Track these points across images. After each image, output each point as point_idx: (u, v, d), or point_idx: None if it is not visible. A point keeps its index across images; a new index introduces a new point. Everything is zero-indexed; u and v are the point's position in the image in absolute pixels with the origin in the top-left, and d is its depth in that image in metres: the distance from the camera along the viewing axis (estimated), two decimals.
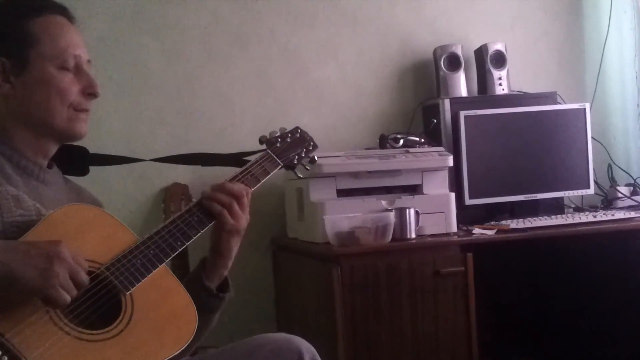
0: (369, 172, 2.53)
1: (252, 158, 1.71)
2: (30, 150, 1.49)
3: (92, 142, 1.69)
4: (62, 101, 1.47)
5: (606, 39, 3.22)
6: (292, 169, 1.79)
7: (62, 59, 1.47)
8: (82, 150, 1.71)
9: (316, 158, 1.85)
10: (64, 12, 1.52)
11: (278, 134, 1.78)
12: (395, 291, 2.35)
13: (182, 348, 1.37)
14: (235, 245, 1.60)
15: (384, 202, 2.49)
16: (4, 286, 1.20)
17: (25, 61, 1.45)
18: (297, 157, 1.78)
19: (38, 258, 1.22)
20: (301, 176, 1.85)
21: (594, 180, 3.02)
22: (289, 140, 1.78)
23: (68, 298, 1.24)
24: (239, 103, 2.91)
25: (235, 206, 1.56)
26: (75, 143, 1.62)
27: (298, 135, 1.81)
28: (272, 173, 1.69)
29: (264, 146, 1.75)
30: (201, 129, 2.86)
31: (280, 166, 1.73)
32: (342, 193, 2.52)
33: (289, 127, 1.84)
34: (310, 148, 1.82)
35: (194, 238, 1.50)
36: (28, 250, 1.24)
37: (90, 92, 1.51)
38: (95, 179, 2.39)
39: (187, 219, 1.51)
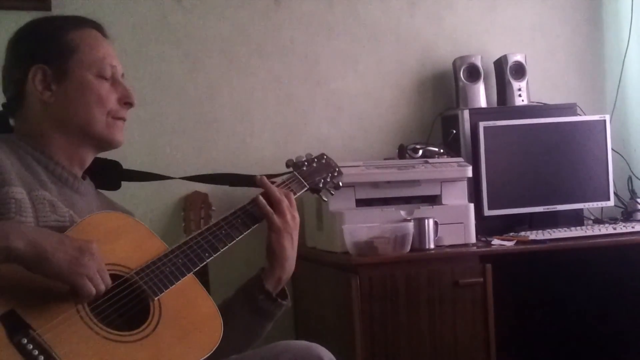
0: (388, 182, 2.54)
1: (279, 179, 1.75)
2: (66, 159, 1.53)
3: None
4: (102, 108, 1.52)
5: (627, 50, 3.21)
6: (318, 192, 1.85)
7: (100, 68, 1.52)
8: (116, 164, 1.75)
9: (341, 184, 1.90)
10: (99, 27, 1.59)
11: (304, 158, 1.84)
12: (413, 301, 2.34)
13: (207, 355, 1.39)
14: (289, 246, 1.64)
15: (402, 212, 2.49)
16: (36, 266, 1.24)
17: (65, 69, 1.50)
18: (322, 181, 1.84)
19: (70, 247, 1.27)
20: (326, 200, 1.90)
21: (614, 192, 3.01)
22: (315, 165, 1.84)
23: (93, 290, 1.27)
24: (259, 112, 2.92)
25: (284, 205, 1.63)
26: (108, 156, 1.66)
27: (324, 161, 1.88)
28: (298, 194, 1.75)
29: (290, 169, 1.80)
30: (221, 137, 2.87)
31: (306, 188, 1.78)
32: (361, 203, 2.53)
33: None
34: (336, 174, 1.88)
35: (221, 250, 1.54)
36: (62, 238, 1.29)
37: (127, 102, 1.57)
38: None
39: (215, 231, 1.55)
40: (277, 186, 1.70)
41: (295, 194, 1.73)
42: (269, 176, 1.89)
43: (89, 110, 1.51)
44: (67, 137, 1.52)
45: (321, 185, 1.83)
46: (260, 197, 1.63)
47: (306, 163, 1.82)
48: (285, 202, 1.63)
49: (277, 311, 1.66)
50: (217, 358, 1.43)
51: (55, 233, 1.30)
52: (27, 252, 1.22)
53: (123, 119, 1.57)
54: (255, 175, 1.74)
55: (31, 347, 1.22)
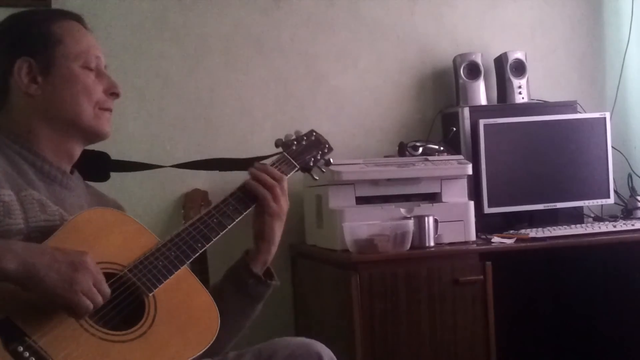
0: (388, 179, 2.53)
1: (269, 161, 1.72)
2: (54, 154, 1.52)
3: (114, 147, 1.71)
4: (89, 99, 1.51)
5: (627, 47, 3.21)
6: (308, 171, 1.80)
7: (85, 59, 1.52)
8: (103, 155, 1.74)
9: (332, 160, 1.85)
10: (80, 19, 1.58)
11: (293, 137, 1.79)
12: (413, 299, 2.34)
13: (206, 348, 1.39)
14: (279, 230, 1.64)
15: (402, 210, 2.49)
16: (29, 287, 1.22)
17: (50, 61, 1.49)
18: (312, 159, 1.79)
19: (63, 264, 1.24)
20: (317, 178, 1.85)
21: (614, 190, 3.01)
22: (304, 143, 1.80)
23: (90, 305, 1.25)
24: (259, 109, 2.92)
25: (278, 189, 1.61)
26: (98, 148, 1.65)
27: (313, 138, 1.83)
28: (289, 175, 1.71)
29: (280, 149, 1.76)
30: (221, 135, 2.87)
31: (296, 168, 1.74)
32: (361, 200, 2.52)
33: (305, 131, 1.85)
34: (326, 150, 1.83)
35: (214, 240, 1.52)
36: (55, 255, 1.25)
37: (113, 92, 1.55)
38: (116, 185, 2.41)
39: (206, 220, 1.53)
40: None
41: (286, 175, 1.69)
42: (260, 158, 1.87)
43: (76, 101, 1.50)
44: (54, 131, 1.50)
45: (311, 164, 1.79)
46: (252, 181, 1.61)
47: (295, 142, 1.78)
48: (278, 186, 1.62)
49: (267, 291, 1.66)
50: (213, 344, 1.41)
51: (47, 250, 1.27)
52: (20, 274, 1.20)
53: (110, 110, 1.56)
54: (249, 161, 1.69)
55: (27, 354, 1.21)
